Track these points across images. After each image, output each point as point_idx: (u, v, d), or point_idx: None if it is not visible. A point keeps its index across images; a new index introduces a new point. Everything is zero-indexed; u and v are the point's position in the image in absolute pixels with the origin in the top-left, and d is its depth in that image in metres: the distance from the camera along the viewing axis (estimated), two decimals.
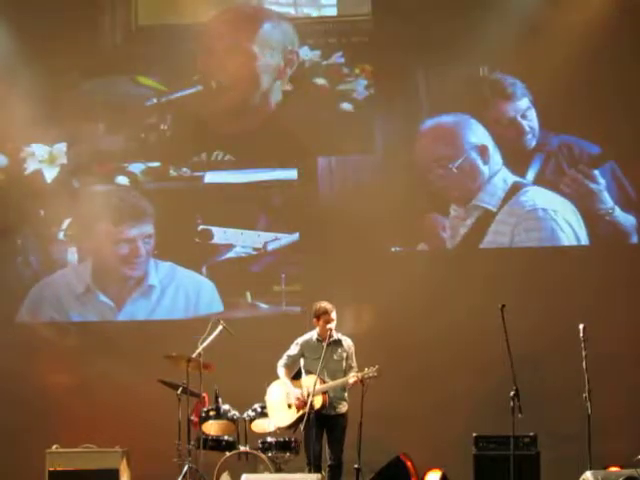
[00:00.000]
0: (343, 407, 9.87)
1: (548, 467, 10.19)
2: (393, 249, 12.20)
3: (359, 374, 9.59)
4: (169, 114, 12.52)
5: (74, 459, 10.67)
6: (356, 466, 9.52)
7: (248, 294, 12.29)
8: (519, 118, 12.06)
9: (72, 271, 12.57)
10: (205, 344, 10.12)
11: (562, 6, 11.69)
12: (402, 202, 11.95)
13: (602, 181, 11.93)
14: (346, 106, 12.33)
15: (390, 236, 12.15)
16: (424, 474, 10.51)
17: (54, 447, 10.84)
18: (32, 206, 12.50)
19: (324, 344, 9.72)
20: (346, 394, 9.87)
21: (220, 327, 10.29)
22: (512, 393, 8.81)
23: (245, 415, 10.26)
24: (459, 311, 11.49)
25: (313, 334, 10.01)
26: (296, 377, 9.97)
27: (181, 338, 10.97)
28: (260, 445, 10.04)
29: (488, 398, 10.72)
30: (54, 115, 12.34)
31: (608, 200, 11.92)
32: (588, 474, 8.69)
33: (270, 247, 12.33)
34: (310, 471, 9.56)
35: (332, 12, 12.54)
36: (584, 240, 11.95)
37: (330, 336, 9.80)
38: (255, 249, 12.34)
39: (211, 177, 12.47)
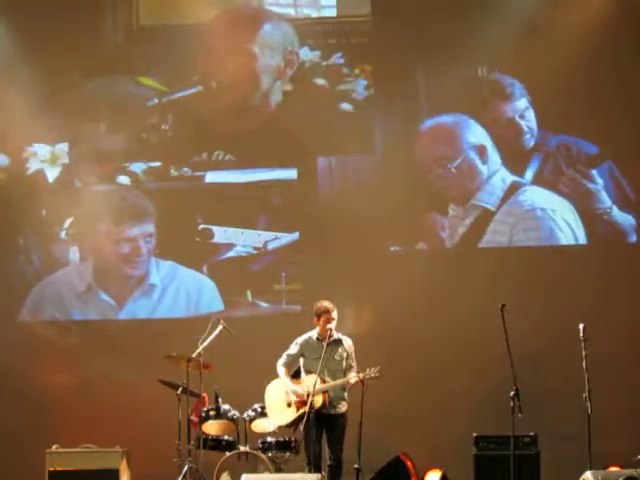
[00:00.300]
0: (343, 407, 9.76)
1: (548, 467, 10.12)
2: (392, 248, 12.13)
3: (360, 374, 9.50)
4: (170, 114, 12.47)
5: (74, 459, 10.59)
6: (356, 466, 9.43)
7: (248, 293, 12.23)
8: (517, 118, 12.00)
9: (74, 270, 12.50)
10: (205, 344, 10.05)
11: (560, 6, 11.63)
12: (401, 202, 11.89)
13: (600, 181, 11.86)
14: (346, 106, 12.28)
15: (389, 235, 12.08)
16: (424, 474, 10.45)
17: (54, 447, 10.76)
18: (34, 205, 12.44)
19: (324, 344, 9.61)
20: (346, 394, 9.77)
21: (220, 327, 10.20)
22: (512, 393, 8.72)
23: (245, 415, 10.20)
24: (458, 310, 11.42)
25: (313, 333, 9.90)
26: (295, 376, 9.87)
27: (182, 337, 10.91)
28: (260, 445, 9.98)
29: (488, 398, 10.65)
30: (56, 115, 12.28)
31: (606, 200, 11.85)
32: (588, 474, 8.60)
33: (270, 246, 12.28)
34: (310, 471, 9.46)
35: (332, 13, 12.49)
36: (582, 239, 11.88)
37: (330, 335, 9.69)
38: (255, 248, 12.29)
39: (212, 177, 12.43)
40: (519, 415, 8.66)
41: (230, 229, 12.25)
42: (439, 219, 12.02)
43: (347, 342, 9.85)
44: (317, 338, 9.81)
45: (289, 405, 9.76)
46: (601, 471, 8.85)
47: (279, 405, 9.83)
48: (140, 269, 12.33)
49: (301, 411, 9.56)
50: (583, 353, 8.87)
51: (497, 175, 11.96)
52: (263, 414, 10.05)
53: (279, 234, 12.25)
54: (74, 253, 12.48)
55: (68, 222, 12.48)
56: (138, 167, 12.48)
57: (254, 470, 9.75)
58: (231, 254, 12.26)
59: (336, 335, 9.75)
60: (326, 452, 9.65)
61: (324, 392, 9.56)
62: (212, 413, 10.14)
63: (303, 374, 9.79)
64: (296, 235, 12.23)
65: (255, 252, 12.25)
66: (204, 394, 10.15)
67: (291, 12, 12.51)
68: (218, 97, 12.31)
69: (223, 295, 12.20)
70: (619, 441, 10.62)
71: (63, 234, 12.49)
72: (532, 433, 9.96)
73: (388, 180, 11.94)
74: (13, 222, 12.44)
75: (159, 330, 11.90)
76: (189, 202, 12.33)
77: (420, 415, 11.29)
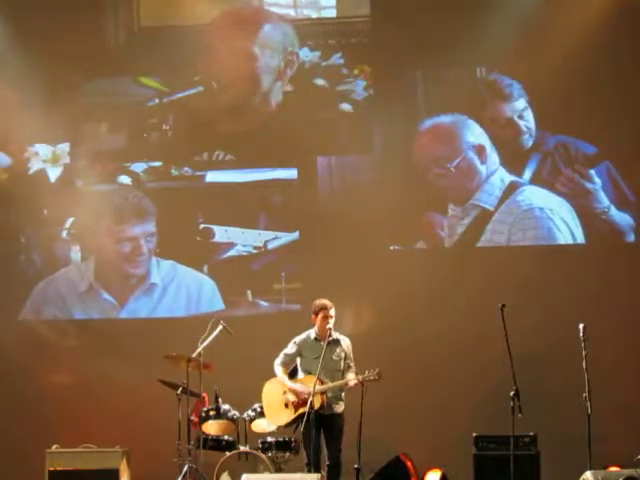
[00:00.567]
0: (340, 407, 9.65)
1: (548, 467, 10.09)
2: (392, 247, 12.05)
3: (359, 377, 9.38)
4: (171, 114, 12.41)
5: (74, 459, 10.54)
6: (356, 466, 9.31)
7: (249, 292, 12.15)
8: (516, 118, 11.92)
9: (75, 269, 12.43)
10: (205, 344, 9.96)
11: (559, 7, 11.54)
12: (400, 201, 11.81)
13: (598, 180, 11.78)
14: (345, 106, 12.20)
15: (389, 234, 12.01)
16: (424, 474, 10.40)
17: (54, 447, 10.70)
18: (35, 205, 12.37)
19: (323, 343, 9.49)
20: (343, 394, 9.67)
21: (220, 327, 10.11)
22: (512, 393, 8.65)
23: (245, 415, 10.18)
24: (458, 309, 11.35)
25: (310, 333, 9.79)
26: (292, 375, 9.78)
27: (182, 336, 10.77)
28: (260, 445, 9.96)
29: (488, 398, 10.56)
30: (57, 115, 12.17)
31: (604, 199, 11.77)
32: (588, 474, 8.51)
33: (270, 246, 12.20)
34: (310, 471, 9.37)
35: (332, 14, 12.43)
36: (580, 239, 11.80)
37: (329, 335, 9.56)
38: (256, 248, 12.21)
39: (212, 176, 12.36)
40: (519, 415, 8.59)
41: (231, 228, 12.19)
42: (438, 218, 11.94)
43: (345, 342, 9.74)
44: (315, 337, 9.70)
45: (286, 405, 9.65)
46: (601, 471, 8.77)
47: (276, 405, 9.71)
48: (141, 268, 12.26)
49: (300, 411, 9.46)
50: (583, 353, 8.76)
51: (496, 175, 11.88)
52: (263, 414, 9.97)
53: (279, 233, 12.18)
54: (75, 252, 12.43)
55: (69, 222, 12.42)
56: (139, 167, 12.42)
57: (254, 470, 9.71)
58: (231, 253, 12.19)
59: (335, 335, 9.63)
60: (324, 452, 9.55)
61: (322, 393, 9.44)
62: (212, 413, 10.10)
63: (300, 373, 9.70)
64: (296, 234, 12.17)
65: (255, 251, 12.19)
66: (204, 394, 10.09)
67: (291, 13, 12.44)
68: (219, 97, 12.25)
69: (223, 294, 12.13)
70: (619, 441, 10.56)
71: (64, 233, 12.43)
72: (532, 433, 9.94)
73: (387, 180, 11.87)
74: (15, 221, 12.39)
75: (159, 330, 11.82)
76: (190, 202, 12.27)
77: (420, 415, 11.22)
